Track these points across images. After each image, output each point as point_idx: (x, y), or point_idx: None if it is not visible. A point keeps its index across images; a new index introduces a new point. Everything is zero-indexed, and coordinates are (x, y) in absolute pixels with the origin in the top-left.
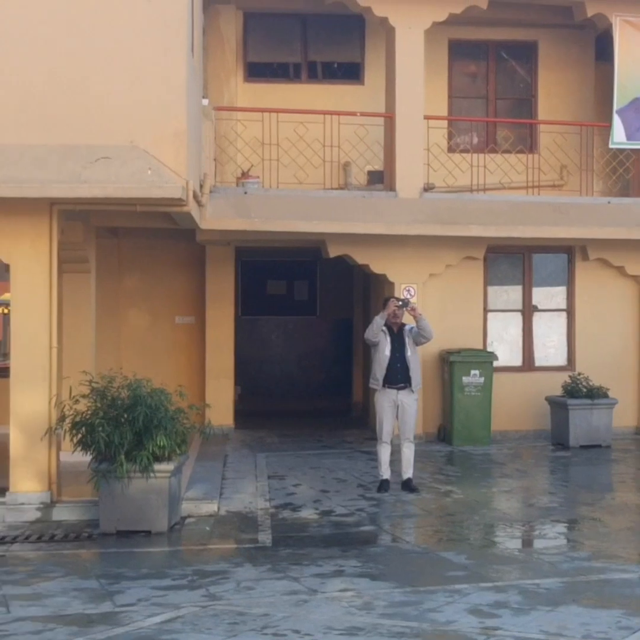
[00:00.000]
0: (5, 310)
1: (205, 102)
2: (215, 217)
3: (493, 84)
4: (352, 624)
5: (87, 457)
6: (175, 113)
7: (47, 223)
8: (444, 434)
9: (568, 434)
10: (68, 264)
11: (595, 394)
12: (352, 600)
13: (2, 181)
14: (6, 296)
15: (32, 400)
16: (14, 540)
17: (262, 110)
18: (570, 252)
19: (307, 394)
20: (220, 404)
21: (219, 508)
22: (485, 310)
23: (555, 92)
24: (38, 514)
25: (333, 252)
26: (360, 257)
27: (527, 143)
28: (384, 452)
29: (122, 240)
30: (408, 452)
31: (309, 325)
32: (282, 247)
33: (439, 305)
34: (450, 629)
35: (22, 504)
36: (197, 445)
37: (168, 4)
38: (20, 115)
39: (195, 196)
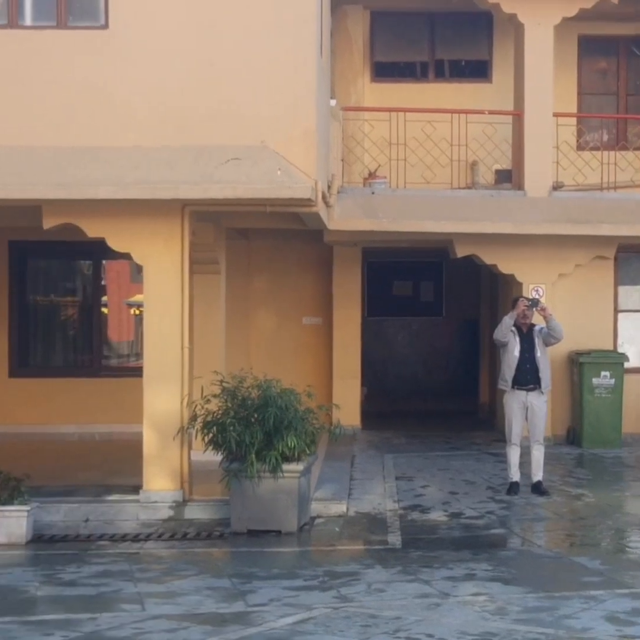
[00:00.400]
0: (137, 311)
1: (333, 102)
2: (343, 218)
3: (624, 80)
4: (486, 629)
5: (216, 456)
6: (304, 112)
7: (179, 224)
8: (573, 436)
9: None
10: (199, 265)
11: None
12: (485, 604)
13: (136, 182)
14: (137, 297)
15: (165, 400)
16: (147, 537)
17: (390, 110)
18: None
19: (432, 395)
20: (347, 405)
21: (347, 509)
22: (616, 311)
23: None
24: (171, 512)
25: (460, 252)
26: (488, 257)
27: None
28: (513, 454)
29: (251, 242)
30: (538, 455)
31: (434, 326)
32: (408, 247)
33: (568, 305)
34: (588, 637)
35: (155, 502)
36: (324, 445)
37: (298, 4)
38: (154, 117)
39: (323, 197)
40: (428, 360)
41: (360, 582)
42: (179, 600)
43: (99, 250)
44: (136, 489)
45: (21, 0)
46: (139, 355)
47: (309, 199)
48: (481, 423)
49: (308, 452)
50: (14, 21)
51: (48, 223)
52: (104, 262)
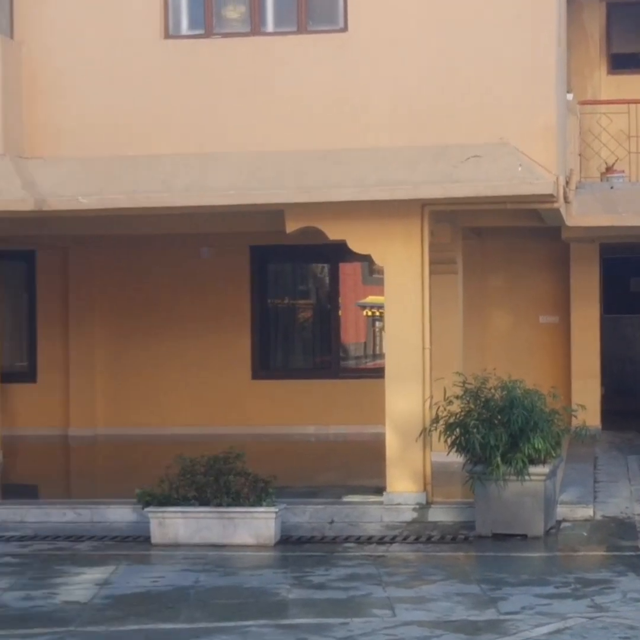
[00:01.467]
0: (370, 313)
1: (569, 96)
2: (581, 214)
3: None
4: None
5: (455, 458)
6: (544, 107)
7: (418, 225)
8: None
9: None
10: (436, 265)
11: None
12: None
13: (376, 184)
14: (369, 299)
15: (407, 401)
16: (392, 540)
17: (628, 102)
18: None
19: None
20: (586, 404)
21: (594, 513)
22: None
23: None
24: (414, 515)
25: None
26: None
27: None
28: None
29: (485, 241)
30: None
31: None
32: None
33: None
34: None
35: (399, 504)
36: (565, 446)
37: None
38: (392, 118)
39: (563, 192)
40: None
41: (615, 590)
42: (429, 606)
43: (335, 253)
44: (378, 490)
45: (263, 7)
46: (374, 356)
47: (551, 195)
48: None
49: (553, 454)
50: (256, 28)
51: (291, 227)
52: (340, 264)
